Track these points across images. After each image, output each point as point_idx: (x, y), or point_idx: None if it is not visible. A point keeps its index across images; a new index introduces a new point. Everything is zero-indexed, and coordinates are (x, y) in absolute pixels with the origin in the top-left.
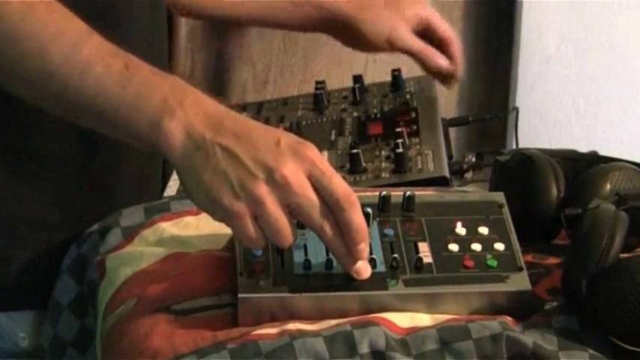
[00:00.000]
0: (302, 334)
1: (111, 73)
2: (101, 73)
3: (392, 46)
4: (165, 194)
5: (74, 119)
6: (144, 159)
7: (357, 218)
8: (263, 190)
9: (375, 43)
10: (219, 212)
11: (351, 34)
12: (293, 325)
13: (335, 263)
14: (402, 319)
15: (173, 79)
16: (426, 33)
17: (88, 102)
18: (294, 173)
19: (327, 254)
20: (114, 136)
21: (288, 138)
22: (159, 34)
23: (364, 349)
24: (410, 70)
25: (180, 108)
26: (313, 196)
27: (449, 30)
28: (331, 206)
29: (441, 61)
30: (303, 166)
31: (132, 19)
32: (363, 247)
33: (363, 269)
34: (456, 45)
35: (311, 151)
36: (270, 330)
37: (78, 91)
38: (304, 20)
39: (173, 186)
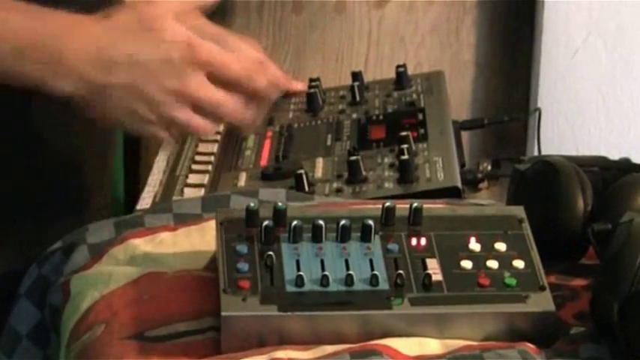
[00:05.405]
0: None
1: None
2: None
3: None
4: (138, 207)
5: None
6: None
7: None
8: (179, 113)
9: None
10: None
11: None
12: (283, 353)
13: (331, 280)
14: (409, 346)
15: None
16: None
17: None
18: (199, 86)
19: (323, 270)
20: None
21: (175, 47)
22: None
23: None
24: (417, 65)
25: (60, 62)
26: (224, 98)
27: None
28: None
29: None
30: (203, 73)
31: None
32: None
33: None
34: None
35: (201, 50)
36: (258, 358)
37: None
38: None
39: (147, 198)
